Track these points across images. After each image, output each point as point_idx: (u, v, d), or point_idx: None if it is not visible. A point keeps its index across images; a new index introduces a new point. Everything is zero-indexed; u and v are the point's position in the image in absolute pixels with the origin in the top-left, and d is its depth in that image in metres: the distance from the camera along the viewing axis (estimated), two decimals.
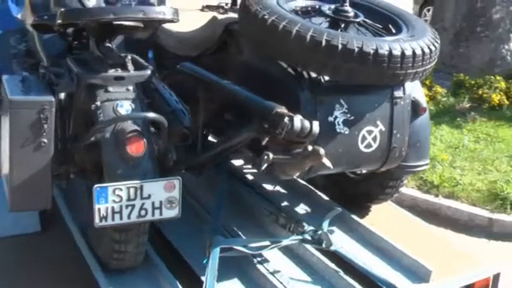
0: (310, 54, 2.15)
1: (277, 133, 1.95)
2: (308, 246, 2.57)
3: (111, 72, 2.21)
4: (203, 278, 2.36)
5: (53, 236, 2.77)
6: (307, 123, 1.96)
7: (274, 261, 2.50)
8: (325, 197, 3.06)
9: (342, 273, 2.44)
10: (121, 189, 2.06)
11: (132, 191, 2.08)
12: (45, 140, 2.12)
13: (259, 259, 2.50)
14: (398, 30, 2.41)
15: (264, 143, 2.03)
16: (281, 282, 2.37)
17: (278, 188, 3.15)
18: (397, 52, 2.15)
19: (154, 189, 2.11)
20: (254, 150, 2.35)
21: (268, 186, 3.13)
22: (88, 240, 2.55)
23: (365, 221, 2.86)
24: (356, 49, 2.10)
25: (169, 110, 2.27)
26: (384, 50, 2.13)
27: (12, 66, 3.31)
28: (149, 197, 2.11)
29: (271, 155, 1.94)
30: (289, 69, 2.28)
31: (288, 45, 2.17)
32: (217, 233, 2.42)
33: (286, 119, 1.94)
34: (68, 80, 2.22)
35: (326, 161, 1.95)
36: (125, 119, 2.06)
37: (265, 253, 2.48)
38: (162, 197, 2.12)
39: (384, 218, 2.97)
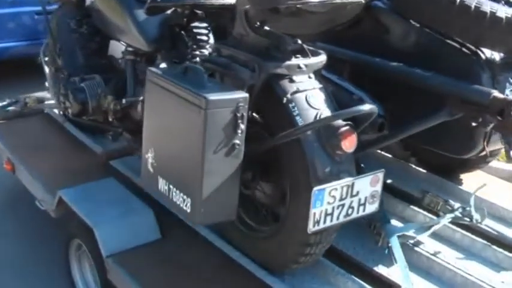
0: (491, 31, 2.08)
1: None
2: (448, 224, 2.56)
3: (294, 60, 1.98)
4: (376, 269, 2.29)
5: (178, 241, 2.49)
6: None
7: (427, 243, 2.47)
8: (423, 170, 3.06)
9: (492, 246, 2.47)
10: (336, 189, 1.89)
11: (344, 190, 1.92)
12: (239, 142, 1.87)
13: (411, 242, 2.45)
14: None
15: (488, 128, 1.96)
16: (448, 262, 2.35)
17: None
18: None
19: (362, 185, 1.96)
20: None
21: None
22: (239, 244, 2.34)
23: None
24: None
25: (354, 98, 2.09)
26: None
27: (76, 52, 2.90)
28: (357, 194, 1.96)
29: None
30: (464, 49, 2.19)
31: (468, 22, 2.07)
32: (386, 221, 2.32)
33: None
34: (246, 71, 1.95)
35: None
36: (344, 116, 1.86)
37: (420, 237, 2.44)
38: (367, 192, 1.98)
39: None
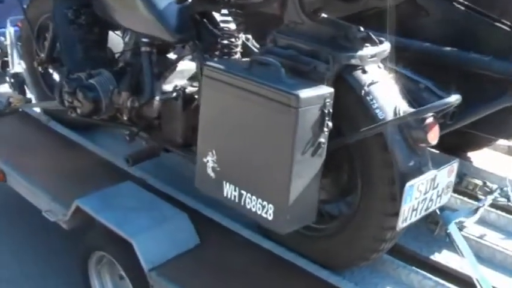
0: None
1: None
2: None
3: (365, 49, 1.87)
4: (433, 257, 2.25)
5: (219, 245, 2.30)
6: None
7: (469, 227, 2.46)
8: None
9: None
10: (423, 184, 1.82)
11: (429, 183, 1.85)
12: (324, 140, 1.75)
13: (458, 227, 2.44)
14: None
15: None
16: (496, 244, 2.35)
17: None
18: None
19: (441, 177, 1.90)
20: None
21: None
22: (290, 245, 2.21)
23: None
24: None
25: (421, 86, 2.01)
26: None
27: (76, 46, 2.61)
28: (437, 186, 1.90)
29: None
30: None
31: None
32: (442, 209, 2.28)
33: None
34: (321, 64, 1.81)
35: None
36: (434, 109, 1.77)
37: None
38: (444, 183, 1.93)
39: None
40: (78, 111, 2.48)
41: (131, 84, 2.46)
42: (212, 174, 1.91)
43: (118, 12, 2.46)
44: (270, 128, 1.71)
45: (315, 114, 1.69)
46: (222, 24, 2.33)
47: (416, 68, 2.18)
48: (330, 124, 1.73)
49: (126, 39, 2.62)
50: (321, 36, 1.92)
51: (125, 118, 2.50)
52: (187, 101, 2.37)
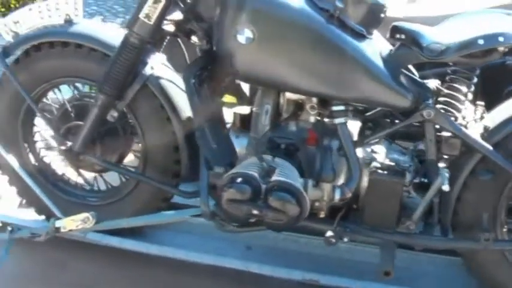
0: None
1: None
2: None
3: None
4: None
5: None
6: None
7: None
8: None
9: None
10: None
11: None
12: None
13: None
14: None
15: None
16: None
17: None
18: None
19: None
20: None
21: None
22: None
23: None
24: None
25: None
26: None
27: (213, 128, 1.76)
28: None
29: None
30: None
31: None
32: None
33: None
34: None
35: None
36: None
37: None
38: None
39: None
40: (277, 223, 1.64)
41: (319, 167, 1.76)
42: None
43: (300, 75, 1.70)
44: None
45: None
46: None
47: None
48: None
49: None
50: None
51: (322, 215, 1.78)
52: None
